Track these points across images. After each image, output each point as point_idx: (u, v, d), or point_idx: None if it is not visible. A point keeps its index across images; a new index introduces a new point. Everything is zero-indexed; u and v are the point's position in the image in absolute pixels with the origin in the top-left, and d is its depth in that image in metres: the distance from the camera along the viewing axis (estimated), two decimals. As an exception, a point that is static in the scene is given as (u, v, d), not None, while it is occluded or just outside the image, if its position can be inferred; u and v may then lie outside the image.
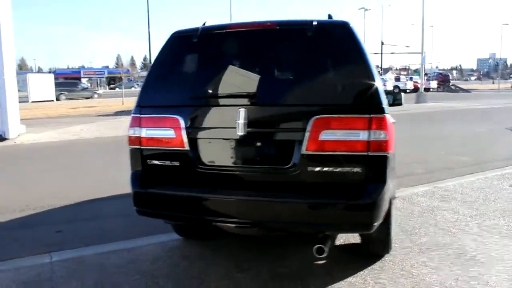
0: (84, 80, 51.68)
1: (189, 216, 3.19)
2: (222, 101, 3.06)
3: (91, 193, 6.10)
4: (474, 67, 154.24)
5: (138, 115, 3.22)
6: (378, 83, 2.87)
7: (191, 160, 3.06)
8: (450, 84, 54.86)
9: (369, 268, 3.44)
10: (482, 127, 14.03)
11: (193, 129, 3.07)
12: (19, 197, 6.09)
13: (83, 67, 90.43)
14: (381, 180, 2.83)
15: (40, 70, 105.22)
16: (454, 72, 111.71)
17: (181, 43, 3.30)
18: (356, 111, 2.82)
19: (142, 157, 3.21)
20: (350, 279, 3.25)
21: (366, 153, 2.78)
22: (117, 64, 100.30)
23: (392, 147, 2.85)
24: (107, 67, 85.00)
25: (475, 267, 3.46)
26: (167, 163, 3.13)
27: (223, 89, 3.06)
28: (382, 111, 2.81)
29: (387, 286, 3.15)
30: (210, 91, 3.09)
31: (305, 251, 3.80)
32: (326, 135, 2.81)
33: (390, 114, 2.93)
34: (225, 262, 3.59)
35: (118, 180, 6.84)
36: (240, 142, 2.99)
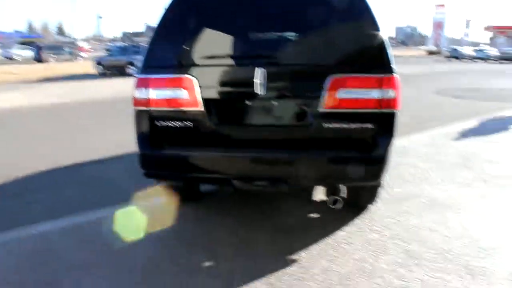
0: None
1: (207, 176, 3.26)
2: (238, 61, 3.11)
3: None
4: (394, 35, 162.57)
5: (145, 76, 3.17)
6: (388, 45, 3.09)
7: (206, 120, 3.12)
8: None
9: (360, 218, 3.78)
10: (410, 91, 15.05)
11: (208, 89, 3.11)
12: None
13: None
14: (390, 135, 3.10)
15: None
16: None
17: (190, 1, 3.27)
18: (369, 71, 3.02)
19: (151, 119, 3.19)
20: (348, 228, 3.57)
21: (378, 110, 3.02)
22: (29, 28, 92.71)
23: (399, 105, 3.10)
24: (19, 31, 78.10)
25: (449, 212, 3.93)
26: (180, 124, 3.15)
27: (238, 48, 3.11)
28: (392, 71, 3.03)
29: (383, 231, 3.51)
30: (225, 50, 3.12)
31: (297, 207, 4.06)
32: (342, 93, 3.00)
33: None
34: (228, 221, 3.74)
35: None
36: (258, 101, 3.09)
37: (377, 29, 3.04)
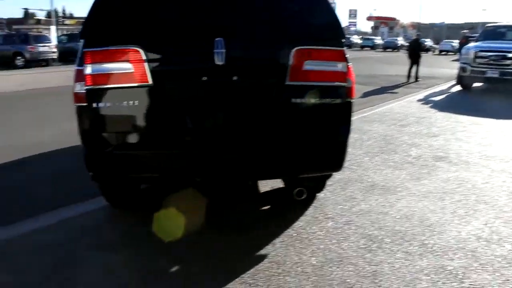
0: None
1: (169, 175, 3.04)
2: (193, 31, 2.84)
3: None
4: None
5: (86, 49, 2.79)
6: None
7: (159, 100, 2.82)
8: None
9: (312, 207, 3.83)
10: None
11: (157, 62, 2.80)
12: None
13: None
14: (349, 120, 3.11)
15: None
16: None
17: None
18: (331, 44, 2.93)
19: (93, 110, 2.81)
20: (304, 218, 3.60)
21: (343, 84, 2.95)
22: None
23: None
24: None
25: (388, 194, 4.17)
26: (128, 105, 2.78)
27: (193, 17, 2.85)
28: (343, 46, 3.02)
29: (338, 218, 3.61)
30: (177, 19, 2.86)
31: (244, 201, 4.00)
32: (308, 65, 2.87)
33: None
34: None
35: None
36: (219, 75, 2.82)
37: (332, 8, 3.05)
